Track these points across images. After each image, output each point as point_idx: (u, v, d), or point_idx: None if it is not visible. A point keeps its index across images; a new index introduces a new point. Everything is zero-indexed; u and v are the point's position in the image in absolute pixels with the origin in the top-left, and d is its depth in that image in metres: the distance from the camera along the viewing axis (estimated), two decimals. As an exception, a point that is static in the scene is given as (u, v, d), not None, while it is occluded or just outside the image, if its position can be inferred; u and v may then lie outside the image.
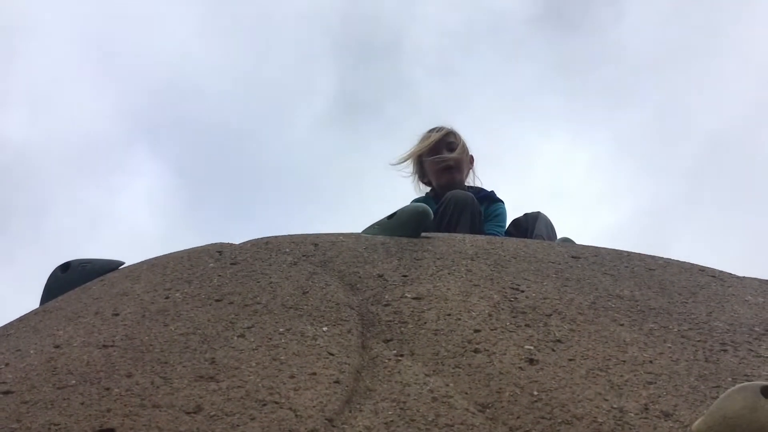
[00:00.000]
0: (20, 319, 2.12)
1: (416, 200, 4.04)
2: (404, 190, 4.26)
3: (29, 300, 2.61)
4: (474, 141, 4.15)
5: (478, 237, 2.70)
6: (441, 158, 3.92)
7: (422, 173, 4.13)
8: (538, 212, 3.84)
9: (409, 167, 4.18)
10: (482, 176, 4.21)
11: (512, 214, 3.99)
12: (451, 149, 3.97)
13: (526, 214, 3.87)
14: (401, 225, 2.65)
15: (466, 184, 4.04)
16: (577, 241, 3.10)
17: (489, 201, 3.98)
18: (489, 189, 4.10)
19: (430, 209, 2.68)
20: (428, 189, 4.13)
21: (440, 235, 2.72)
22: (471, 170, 4.10)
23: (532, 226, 3.76)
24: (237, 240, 2.59)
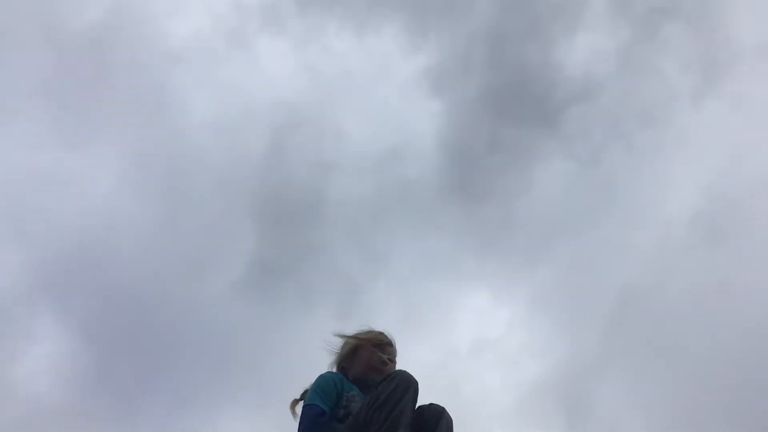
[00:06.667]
0: None
1: (327, 375, 3.96)
2: (319, 359, 4.21)
3: None
4: (394, 301, 4.15)
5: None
6: (386, 362, 4.02)
7: (350, 358, 4.12)
8: (443, 409, 3.78)
9: (338, 344, 4.19)
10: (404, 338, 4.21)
11: (432, 371, 3.94)
12: (391, 360, 4.11)
13: (431, 405, 3.80)
14: None
15: None
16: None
17: None
18: None
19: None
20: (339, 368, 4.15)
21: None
22: None
23: (433, 425, 3.67)
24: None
